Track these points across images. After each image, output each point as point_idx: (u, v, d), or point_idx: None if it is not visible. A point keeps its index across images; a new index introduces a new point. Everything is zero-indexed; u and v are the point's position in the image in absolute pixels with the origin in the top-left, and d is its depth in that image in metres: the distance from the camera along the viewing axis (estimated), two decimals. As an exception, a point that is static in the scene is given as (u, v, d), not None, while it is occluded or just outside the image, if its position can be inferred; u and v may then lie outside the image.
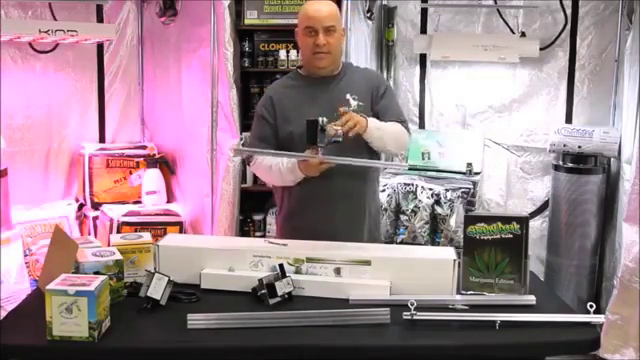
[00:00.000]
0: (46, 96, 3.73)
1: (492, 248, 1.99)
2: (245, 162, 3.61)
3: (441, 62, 3.86)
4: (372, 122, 2.29)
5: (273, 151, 2.35)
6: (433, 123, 3.95)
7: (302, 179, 2.31)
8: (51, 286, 1.65)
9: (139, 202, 3.86)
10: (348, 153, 2.25)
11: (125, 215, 3.65)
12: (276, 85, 2.55)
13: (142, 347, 1.71)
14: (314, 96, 2.38)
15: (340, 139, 2.16)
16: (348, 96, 2.38)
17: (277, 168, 2.33)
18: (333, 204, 2.38)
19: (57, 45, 3.65)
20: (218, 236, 3.42)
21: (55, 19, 3.56)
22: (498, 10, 3.74)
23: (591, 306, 1.80)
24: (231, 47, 3.43)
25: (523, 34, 3.67)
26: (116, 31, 3.87)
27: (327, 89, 2.40)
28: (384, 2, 3.89)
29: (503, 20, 3.73)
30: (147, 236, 2.11)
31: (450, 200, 3.54)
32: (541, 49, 3.64)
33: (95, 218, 3.80)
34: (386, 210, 3.54)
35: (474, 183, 3.61)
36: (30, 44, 3.56)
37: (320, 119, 2.12)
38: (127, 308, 1.86)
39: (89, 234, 3.74)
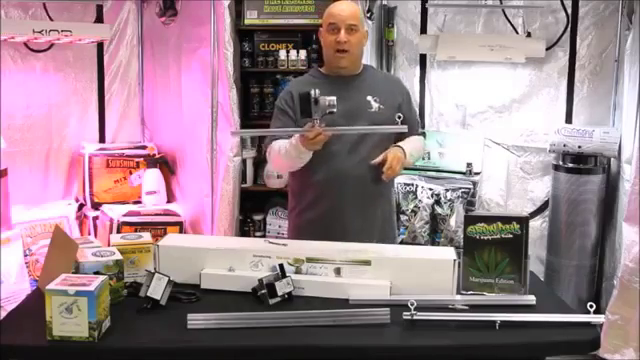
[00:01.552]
0: (46, 96, 3.73)
1: (492, 248, 1.99)
2: (245, 162, 3.65)
3: (441, 62, 3.86)
4: (407, 153, 2.37)
5: (268, 130, 2.36)
6: (433, 123, 3.95)
7: (319, 173, 2.36)
8: (51, 286, 1.65)
9: (139, 202, 3.86)
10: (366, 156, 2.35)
11: (125, 215, 3.65)
12: (297, 82, 2.55)
13: (142, 347, 1.71)
14: (337, 94, 2.37)
15: (334, 109, 2.14)
16: (369, 98, 2.41)
17: (284, 149, 2.31)
18: (346, 201, 2.39)
19: (52, 45, 3.65)
20: (218, 236, 3.42)
21: (51, 19, 3.56)
22: (503, 10, 3.73)
23: (591, 306, 1.80)
24: (231, 47, 3.43)
25: (529, 34, 3.67)
26: (115, 32, 3.89)
27: (349, 88, 2.41)
28: (384, 2, 3.89)
29: (508, 20, 3.73)
30: (147, 236, 2.11)
31: (450, 200, 3.54)
32: (542, 49, 3.65)
33: (95, 218, 3.81)
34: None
35: (474, 183, 3.62)
36: (25, 44, 3.55)
37: (312, 91, 2.11)
38: (127, 308, 1.85)
39: (89, 234, 3.74)
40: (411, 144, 2.44)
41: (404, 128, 2.30)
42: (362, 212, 2.42)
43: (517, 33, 3.70)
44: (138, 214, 3.69)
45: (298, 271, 2.01)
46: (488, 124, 3.86)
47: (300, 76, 2.64)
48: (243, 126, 3.56)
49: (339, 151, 2.34)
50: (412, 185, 3.61)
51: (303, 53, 3.65)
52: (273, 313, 1.81)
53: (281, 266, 1.95)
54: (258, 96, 3.75)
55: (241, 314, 1.79)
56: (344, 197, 2.39)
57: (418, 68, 3.94)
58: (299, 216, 2.49)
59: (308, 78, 2.52)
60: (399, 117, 2.35)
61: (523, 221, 2.00)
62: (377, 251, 2.10)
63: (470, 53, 3.71)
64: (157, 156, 3.91)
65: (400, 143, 2.41)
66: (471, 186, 3.59)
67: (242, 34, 3.68)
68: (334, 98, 2.14)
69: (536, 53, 3.63)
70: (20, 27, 3.36)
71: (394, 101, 2.48)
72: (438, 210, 3.56)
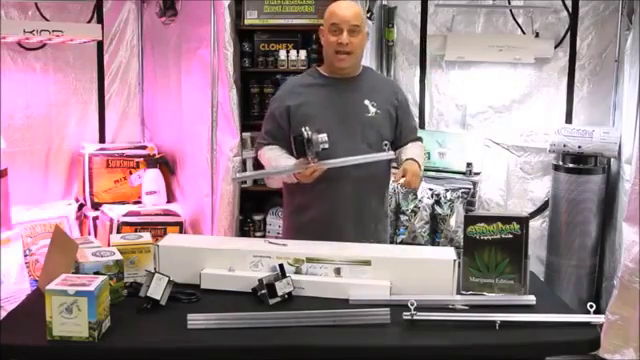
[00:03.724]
0: (46, 96, 3.73)
1: (492, 248, 1.99)
2: (244, 163, 3.64)
3: (442, 62, 3.86)
4: (421, 166, 2.38)
5: (265, 171, 2.38)
6: (433, 123, 3.95)
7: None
8: (51, 286, 1.65)
9: (139, 202, 3.86)
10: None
11: (125, 215, 3.65)
12: (293, 85, 2.50)
13: (142, 347, 1.71)
14: (333, 96, 2.39)
15: (327, 145, 2.16)
16: (367, 102, 2.40)
17: (276, 171, 2.36)
18: (342, 202, 2.39)
19: (44, 44, 3.63)
20: (218, 236, 3.42)
21: (46, 19, 3.55)
22: (511, 11, 3.73)
23: (591, 306, 1.80)
24: (231, 47, 3.43)
25: (537, 34, 3.67)
26: (115, 32, 3.89)
27: (347, 90, 2.41)
28: (384, 2, 3.89)
29: (515, 21, 3.72)
30: (147, 236, 2.11)
31: (450, 200, 3.54)
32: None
33: (95, 218, 3.80)
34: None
35: (474, 183, 3.62)
36: (19, 43, 3.54)
37: (304, 131, 2.13)
38: (127, 308, 1.86)
39: (89, 234, 3.74)
40: (417, 151, 2.44)
41: (391, 155, 2.35)
42: (357, 213, 2.42)
43: (524, 33, 3.70)
44: (138, 214, 3.69)
45: (298, 271, 2.01)
46: (488, 124, 3.86)
47: (290, 78, 2.64)
48: (243, 126, 3.56)
49: (336, 153, 2.32)
50: (412, 185, 3.61)
51: (303, 53, 3.65)
52: (273, 313, 1.81)
53: (281, 266, 1.95)
54: (258, 96, 3.74)
55: (241, 314, 1.80)
56: (341, 198, 2.38)
57: (418, 68, 3.94)
58: (297, 216, 2.49)
59: (304, 79, 2.50)
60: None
61: (523, 221, 2.00)
62: (377, 251, 2.10)
63: (479, 53, 3.71)
64: (157, 156, 3.91)
65: (409, 154, 2.40)
66: (471, 186, 3.59)
67: (242, 34, 3.67)
68: (325, 135, 2.15)
69: (544, 53, 3.63)
70: (11, 27, 3.33)
71: (391, 106, 2.47)
72: (438, 210, 3.56)
